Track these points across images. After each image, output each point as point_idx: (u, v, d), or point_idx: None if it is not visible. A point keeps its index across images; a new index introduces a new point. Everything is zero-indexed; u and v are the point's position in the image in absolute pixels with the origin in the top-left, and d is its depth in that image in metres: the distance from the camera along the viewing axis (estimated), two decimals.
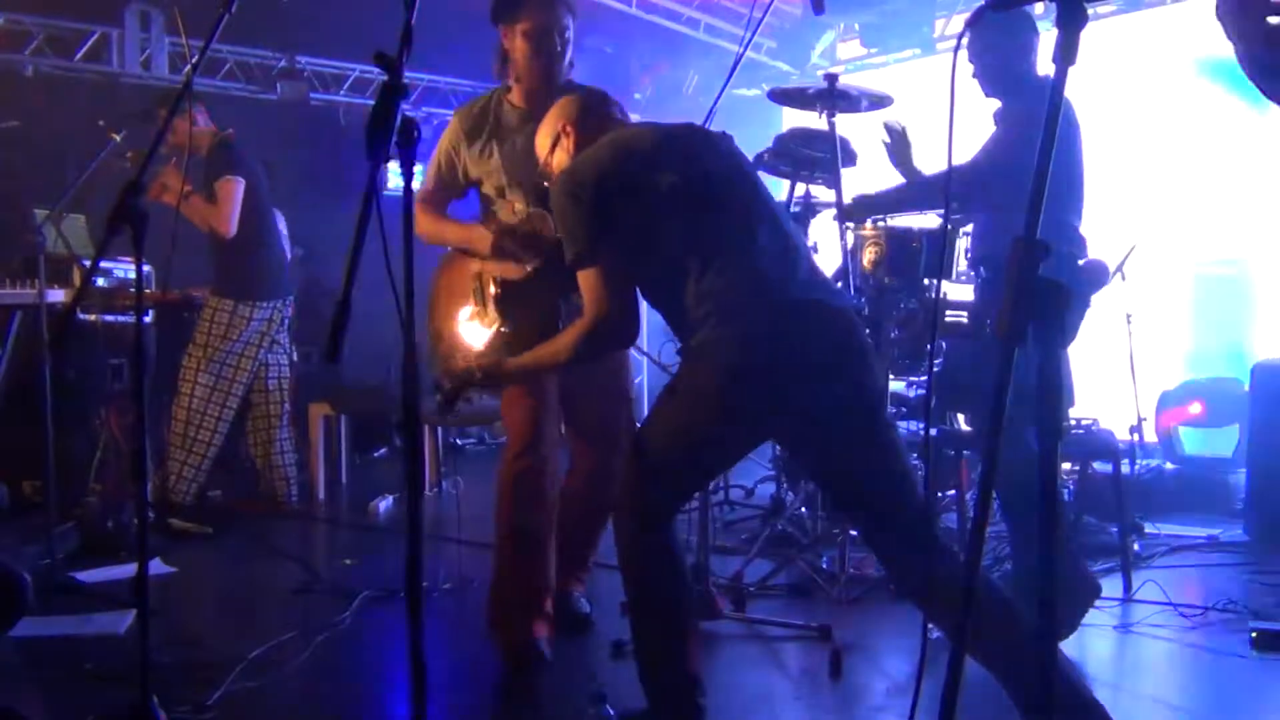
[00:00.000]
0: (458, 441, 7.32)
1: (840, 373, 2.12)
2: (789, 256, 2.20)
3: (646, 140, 2.32)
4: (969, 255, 3.53)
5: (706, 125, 2.82)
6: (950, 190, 3.08)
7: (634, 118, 2.76)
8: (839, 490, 2.30)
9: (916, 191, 3.41)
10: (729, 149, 2.37)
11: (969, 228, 3.53)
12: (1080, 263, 3.32)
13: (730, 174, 2.29)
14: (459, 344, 2.69)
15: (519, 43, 2.81)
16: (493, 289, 2.63)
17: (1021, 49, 3.29)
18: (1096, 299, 3.43)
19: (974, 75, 3.31)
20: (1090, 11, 1.23)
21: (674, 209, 2.19)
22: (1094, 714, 1.97)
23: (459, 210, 3.08)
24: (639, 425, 2.36)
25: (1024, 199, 1.25)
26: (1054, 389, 1.24)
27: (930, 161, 3.43)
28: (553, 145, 2.47)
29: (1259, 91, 1.64)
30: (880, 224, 3.55)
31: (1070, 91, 1.29)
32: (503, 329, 2.59)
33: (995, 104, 3.31)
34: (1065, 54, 1.24)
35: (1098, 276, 3.48)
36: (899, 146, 3.42)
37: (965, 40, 3.26)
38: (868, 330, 2.34)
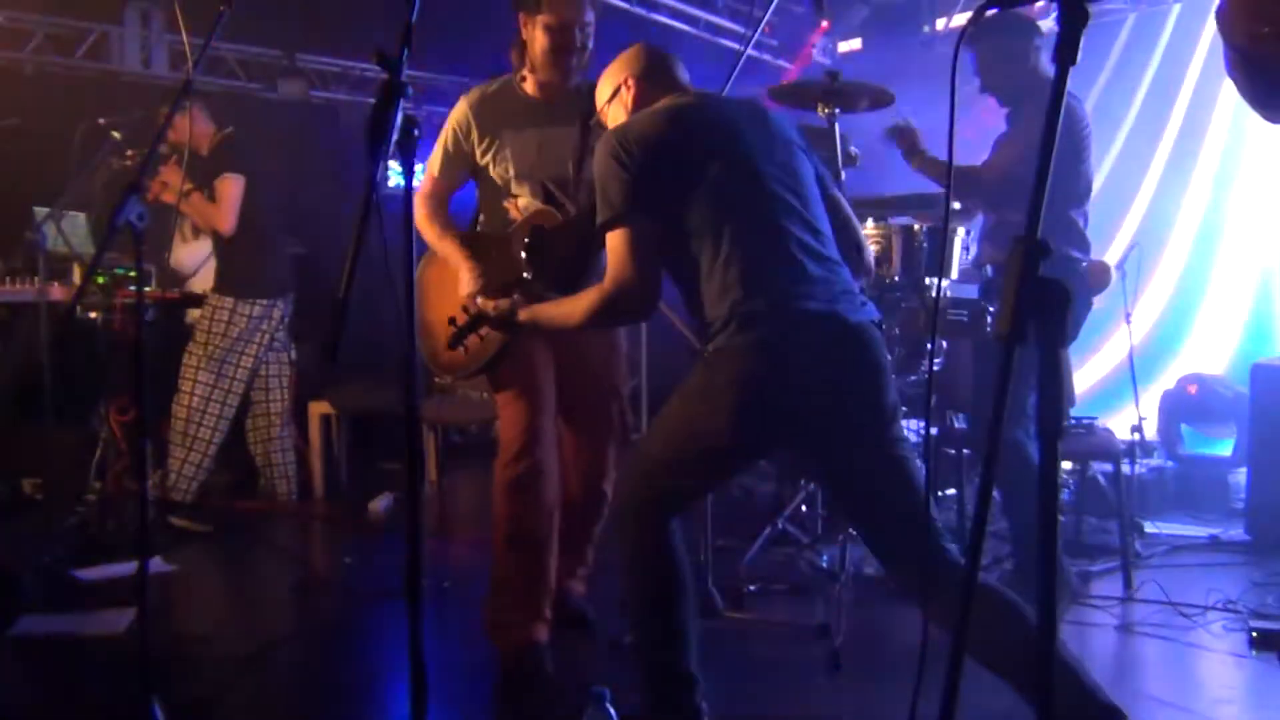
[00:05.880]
0: (458, 440, 7.32)
1: (854, 390, 2.10)
2: (819, 261, 2.15)
3: (704, 117, 2.26)
4: (964, 251, 3.53)
5: None
6: (953, 188, 3.10)
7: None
8: (844, 500, 2.29)
9: (936, 176, 3.48)
10: (787, 137, 2.29)
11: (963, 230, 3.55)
12: (1084, 265, 3.33)
13: (780, 165, 2.22)
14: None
15: (538, 34, 2.74)
16: (526, 238, 2.54)
17: (1024, 53, 3.31)
18: (1097, 300, 3.44)
19: (981, 89, 3.34)
20: (1090, 10, 1.23)
21: (715, 194, 2.14)
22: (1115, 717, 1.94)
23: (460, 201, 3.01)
24: (647, 424, 2.33)
25: (1024, 206, 1.24)
26: (1054, 389, 1.23)
27: (939, 149, 3.46)
28: (611, 95, 2.39)
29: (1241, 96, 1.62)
30: (883, 222, 3.55)
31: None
32: (527, 275, 2.51)
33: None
34: (1065, 53, 1.24)
35: (1100, 279, 3.48)
36: (907, 138, 3.45)
37: (972, 38, 3.32)
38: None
